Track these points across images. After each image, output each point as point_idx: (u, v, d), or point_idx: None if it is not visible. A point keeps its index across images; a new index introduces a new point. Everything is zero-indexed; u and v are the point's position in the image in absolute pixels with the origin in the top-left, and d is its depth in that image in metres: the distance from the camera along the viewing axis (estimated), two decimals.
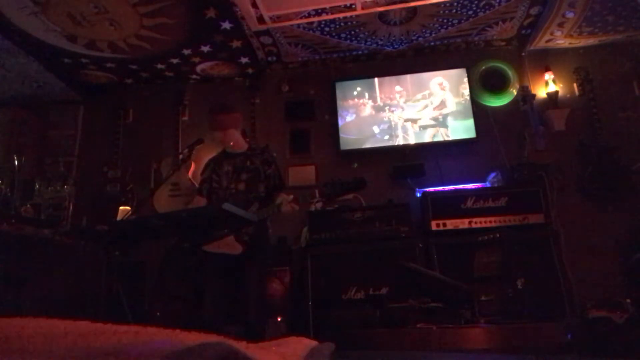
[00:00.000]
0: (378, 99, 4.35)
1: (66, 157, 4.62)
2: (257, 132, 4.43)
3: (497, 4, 3.69)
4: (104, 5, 3.29)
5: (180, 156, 4.16)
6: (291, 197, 2.61)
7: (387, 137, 4.26)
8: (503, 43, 4.36)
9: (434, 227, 3.45)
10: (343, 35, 4.02)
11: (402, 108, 4.30)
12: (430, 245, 3.43)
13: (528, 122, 4.06)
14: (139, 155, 4.51)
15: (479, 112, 4.23)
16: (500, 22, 3.99)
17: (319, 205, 3.69)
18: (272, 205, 2.65)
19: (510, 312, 2.63)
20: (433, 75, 4.34)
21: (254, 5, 3.44)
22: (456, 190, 3.74)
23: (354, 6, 3.53)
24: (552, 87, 4.20)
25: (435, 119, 4.24)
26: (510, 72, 4.34)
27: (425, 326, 1.81)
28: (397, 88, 4.35)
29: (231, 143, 2.90)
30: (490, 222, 3.41)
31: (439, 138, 4.19)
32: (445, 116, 4.23)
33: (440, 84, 4.31)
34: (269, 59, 4.40)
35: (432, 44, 4.31)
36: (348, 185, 2.53)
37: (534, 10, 3.80)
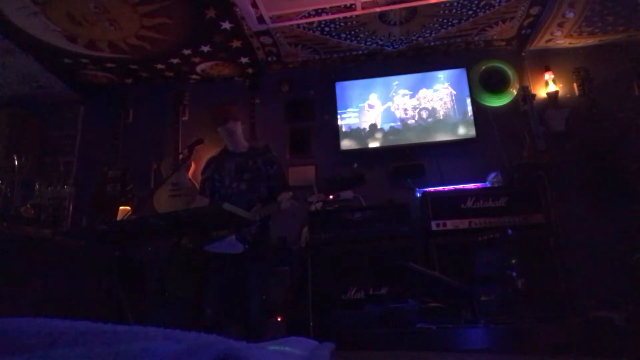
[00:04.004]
0: (378, 98, 4.35)
1: (66, 157, 4.62)
2: (257, 132, 4.43)
3: (497, 4, 3.69)
4: (104, 5, 3.29)
5: (180, 156, 4.16)
6: (290, 193, 2.61)
7: (387, 137, 4.26)
8: (503, 43, 4.36)
9: (434, 227, 3.45)
10: (343, 35, 4.02)
11: (403, 108, 4.30)
12: (430, 245, 3.43)
13: (528, 122, 4.05)
14: (139, 155, 4.50)
15: (479, 112, 4.23)
16: (500, 22, 3.99)
17: (319, 205, 3.69)
18: (273, 204, 2.66)
19: (510, 312, 2.63)
20: (433, 75, 4.34)
21: (254, 5, 3.44)
22: (456, 190, 3.74)
23: (354, 6, 3.53)
24: (552, 87, 4.20)
25: (435, 118, 4.24)
26: (510, 72, 4.34)
27: (425, 326, 1.81)
28: (398, 88, 4.35)
29: (236, 135, 2.91)
30: (490, 222, 3.41)
31: (439, 138, 4.20)
32: (445, 116, 4.23)
33: (441, 84, 4.31)
34: (269, 59, 4.39)
35: (432, 44, 4.31)
36: (346, 181, 2.53)
37: (534, 10, 3.80)
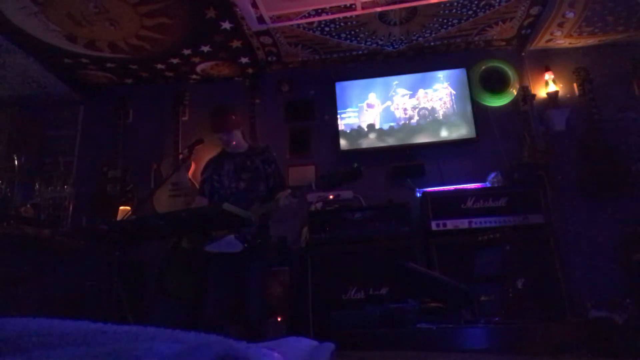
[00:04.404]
0: (378, 98, 4.35)
1: (66, 157, 4.62)
2: (257, 132, 4.43)
3: (497, 4, 3.69)
4: (104, 5, 3.29)
5: (180, 156, 4.16)
6: (289, 190, 2.61)
7: (386, 136, 4.26)
8: (503, 43, 4.36)
9: (434, 227, 3.45)
10: (343, 35, 4.02)
11: (403, 108, 4.30)
12: (430, 245, 3.43)
13: (528, 122, 4.06)
14: (139, 155, 4.51)
15: (479, 112, 4.23)
16: (500, 22, 3.99)
17: (319, 205, 3.69)
18: (271, 202, 2.66)
19: (510, 312, 2.64)
20: (433, 75, 4.34)
21: (254, 5, 3.44)
22: (456, 190, 3.74)
23: (354, 6, 3.53)
24: (552, 87, 4.20)
25: (435, 118, 4.24)
26: (510, 72, 4.34)
27: (425, 326, 1.81)
28: (397, 88, 4.35)
29: (233, 142, 2.90)
30: (490, 222, 3.41)
31: (439, 138, 4.20)
32: (445, 116, 4.23)
33: (441, 84, 4.31)
34: (269, 59, 4.40)
35: (432, 44, 4.31)
36: (344, 175, 2.53)
37: (534, 10, 3.80)
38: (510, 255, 2.79)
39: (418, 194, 3.96)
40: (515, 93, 4.31)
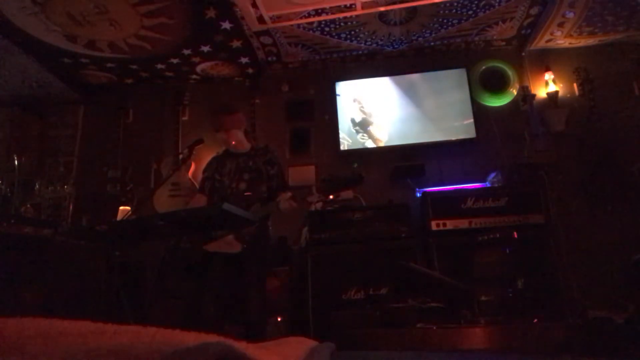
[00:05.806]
0: (378, 98, 4.35)
1: (66, 157, 4.62)
2: (257, 132, 4.43)
3: (497, 4, 3.69)
4: (104, 5, 3.29)
5: (180, 156, 4.16)
6: (290, 194, 2.61)
7: (387, 137, 4.26)
8: (503, 43, 4.36)
9: (434, 227, 3.45)
10: (343, 35, 4.02)
11: (403, 108, 4.30)
12: (430, 245, 3.43)
13: (528, 122, 4.06)
14: (139, 155, 4.51)
15: (479, 112, 4.23)
16: (500, 22, 3.99)
17: (319, 205, 3.69)
18: (271, 204, 2.66)
19: (510, 312, 2.64)
20: (434, 75, 4.34)
21: (254, 5, 3.44)
22: (456, 190, 3.73)
23: (354, 6, 3.53)
24: (552, 87, 4.20)
25: (435, 118, 4.24)
26: (510, 72, 4.34)
27: (425, 326, 1.81)
28: (398, 88, 4.35)
29: (233, 142, 2.90)
30: (490, 222, 3.41)
31: (439, 138, 4.19)
32: (445, 116, 4.23)
33: (441, 84, 4.31)
34: (269, 59, 4.39)
35: (432, 44, 4.31)
36: (345, 181, 2.53)
37: (534, 10, 3.80)
38: (510, 255, 2.79)
39: (418, 194, 3.96)
40: (515, 93, 4.31)
